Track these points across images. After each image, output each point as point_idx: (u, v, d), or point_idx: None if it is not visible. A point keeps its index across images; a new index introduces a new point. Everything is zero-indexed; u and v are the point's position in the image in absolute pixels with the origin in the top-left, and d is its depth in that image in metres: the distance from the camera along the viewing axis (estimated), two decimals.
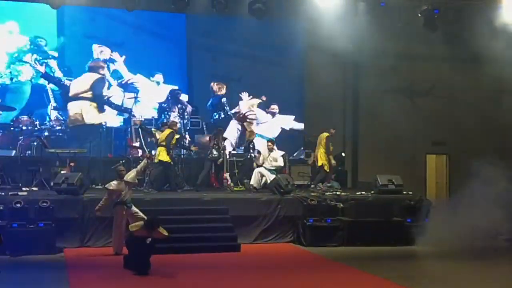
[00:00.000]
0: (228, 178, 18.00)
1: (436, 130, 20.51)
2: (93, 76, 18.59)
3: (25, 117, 17.86)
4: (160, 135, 16.67)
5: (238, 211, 15.35)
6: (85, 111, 18.59)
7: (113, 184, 13.75)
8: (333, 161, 17.59)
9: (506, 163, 16.87)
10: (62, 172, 16.05)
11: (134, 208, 13.78)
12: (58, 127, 18.28)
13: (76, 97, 18.47)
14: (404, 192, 16.87)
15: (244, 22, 18.77)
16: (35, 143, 17.19)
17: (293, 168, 19.01)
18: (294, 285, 11.37)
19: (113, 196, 13.68)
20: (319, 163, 17.35)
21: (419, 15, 18.58)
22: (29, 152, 17.18)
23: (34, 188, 15.67)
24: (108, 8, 19.09)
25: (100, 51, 19.29)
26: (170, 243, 14.11)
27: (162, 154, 16.29)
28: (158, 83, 19.99)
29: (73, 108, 18.52)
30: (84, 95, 18.68)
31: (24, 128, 17.55)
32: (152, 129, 17.39)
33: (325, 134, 17.39)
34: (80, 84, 18.50)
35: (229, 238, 14.60)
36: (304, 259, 14.07)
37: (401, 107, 19.83)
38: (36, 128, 17.84)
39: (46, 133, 17.77)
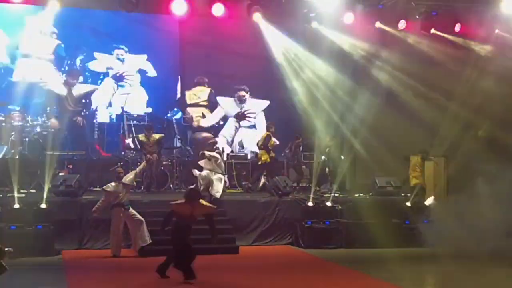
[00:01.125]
0: (226, 180, 18.01)
1: (434, 132, 20.47)
2: (207, 89, 20.24)
3: (16, 113, 17.62)
4: (260, 139, 17.81)
5: (236, 213, 15.35)
6: (205, 115, 20.22)
7: (110, 186, 13.76)
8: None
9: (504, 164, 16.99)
10: (60, 174, 16.02)
11: (132, 210, 13.78)
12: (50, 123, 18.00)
13: (196, 105, 20.10)
14: (403, 194, 16.88)
15: (241, 22, 18.76)
16: (27, 139, 17.05)
17: (292, 170, 18.97)
18: (292, 287, 11.36)
19: (110, 197, 13.68)
20: (413, 183, 17.45)
21: (417, 17, 18.58)
22: (21, 148, 16.99)
23: (32, 190, 15.63)
24: (107, 10, 19.06)
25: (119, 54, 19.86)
26: (169, 245, 14.12)
27: (264, 157, 17.46)
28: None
29: (195, 112, 20.19)
30: (202, 103, 20.10)
31: (15, 123, 17.34)
32: (140, 137, 17.08)
33: (417, 158, 17.71)
34: (197, 95, 20.16)
35: (227, 240, 14.58)
36: (303, 261, 14.07)
37: (400, 109, 19.78)
38: (28, 124, 17.65)
39: (38, 129, 17.55)
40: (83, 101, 19.38)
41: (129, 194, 14.08)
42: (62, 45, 19.42)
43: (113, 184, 13.81)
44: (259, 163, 17.77)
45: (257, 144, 18.08)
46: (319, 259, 14.17)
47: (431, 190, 18.84)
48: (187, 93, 20.20)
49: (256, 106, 20.61)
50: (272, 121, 18.66)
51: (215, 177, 15.52)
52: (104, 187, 14.04)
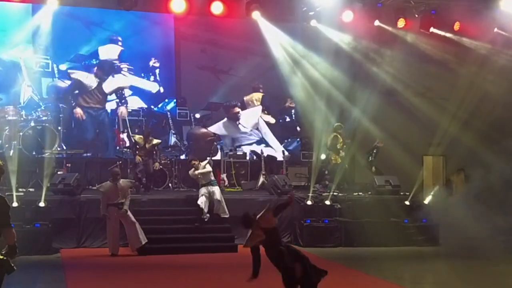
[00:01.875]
0: (225, 179, 17.99)
1: (433, 131, 20.46)
2: (259, 95, 20.73)
3: (10, 107, 17.49)
4: (326, 141, 17.57)
5: (235, 211, 15.29)
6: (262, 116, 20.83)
7: (104, 186, 13.72)
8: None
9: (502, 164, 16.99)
10: (59, 172, 15.98)
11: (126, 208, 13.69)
12: (44, 118, 17.76)
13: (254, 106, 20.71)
14: (401, 193, 16.86)
15: (237, 18, 18.70)
16: (21, 134, 16.94)
17: (290, 169, 18.93)
18: None
19: (105, 197, 13.62)
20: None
21: (416, 15, 18.57)
22: (15, 142, 16.89)
23: (31, 189, 15.59)
24: (106, 9, 19.02)
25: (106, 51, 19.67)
26: (167, 244, 14.13)
27: (335, 158, 17.32)
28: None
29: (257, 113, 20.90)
30: (257, 105, 20.67)
31: (9, 118, 17.17)
32: (137, 138, 16.82)
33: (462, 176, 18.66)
34: (254, 98, 20.73)
35: (226, 238, 14.58)
36: None
37: (398, 108, 19.77)
38: (22, 119, 17.48)
39: (32, 124, 17.38)
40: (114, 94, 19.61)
41: (128, 195, 13.93)
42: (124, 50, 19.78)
43: (107, 183, 13.76)
44: (331, 164, 17.58)
45: (326, 145, 17.90)
46: (318, 257, 14.09)
47: (430, 188, 18.89)
48: (245, 98, 20.56)
49: None
50: (340, 123, 18.33)
51: (216, 195, 14.90)
52: (97, 187, 14.03)
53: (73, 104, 18.94)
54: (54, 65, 19.10)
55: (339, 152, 17.49)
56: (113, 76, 19.58)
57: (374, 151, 18.09)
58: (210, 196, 14.84)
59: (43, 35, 18.19)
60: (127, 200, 13.76)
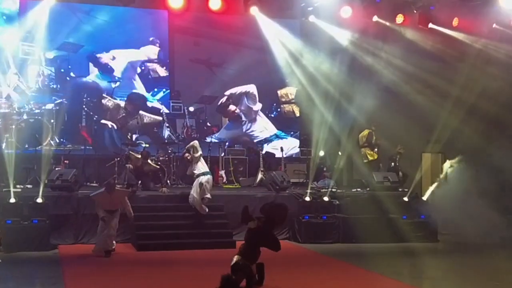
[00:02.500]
0: (224, 175, 17.97)
1: (431, 128, 20.44)
2: (293, 89, 20.82)
3: (3, 100, 17.26)
4: (360, 137, 18.13)
5: (233, 208, 15.29)
6: (295, 110, 21.03)
7: (97, 195, 13.44)
8: None
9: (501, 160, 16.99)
10: (56, 169, 15.94)
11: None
12: (37, 110, 17.55)
13: (288, 102, 21.06)
14: (400, 189, 16.85)
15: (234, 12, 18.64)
16: (13, 127, 16.81)
17: (289, 166, 18.92)
18: (290, 281, 11.32)
19: (99, 204, 13.38)
20: None
21: (415, 11, 18.54)
22: (7, 135, 16.71)
23: (29, 185, 15.55)
24: (105, 5, 18.93)
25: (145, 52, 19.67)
26: (165, 240, 14.11)
27: (369, 155, 17.72)
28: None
29: (287, 108, 21.23)
30: (292, 100, 21.03)
31: (1, 111, 16.97)
32: (133, 156, 16.51)
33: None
34: (289, 92, 21.04)
35: (224, 234, 14.56)
36: (300, 256, 14.05)
37: (397, 105, 19.75)
38: (14, 112, 17.26)
39: (25, 117, 17.17)
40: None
41: (127, 202, 13.73)
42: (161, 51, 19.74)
43: (101, 192, 13.39)
44: (365, 160, 17.75)
45: (359, 142, 18.11)
46: (316, 253, 14.14)
47: (428, 185, 18.91)
48: (279, 92, 20.81)
49: None
50: (375, 120, 18.43)
51: (203, 179, 14.81)
52: (91, 195, 13.69)
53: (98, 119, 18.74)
54: (41, 53, 18.62)
55: (374, 148, 17.57)
56: (140, 117, 19.31)
57: (398, 156, 18.17)
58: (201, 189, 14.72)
59: (29, 22, 17.77)
60: (129, 207, 13.54)
